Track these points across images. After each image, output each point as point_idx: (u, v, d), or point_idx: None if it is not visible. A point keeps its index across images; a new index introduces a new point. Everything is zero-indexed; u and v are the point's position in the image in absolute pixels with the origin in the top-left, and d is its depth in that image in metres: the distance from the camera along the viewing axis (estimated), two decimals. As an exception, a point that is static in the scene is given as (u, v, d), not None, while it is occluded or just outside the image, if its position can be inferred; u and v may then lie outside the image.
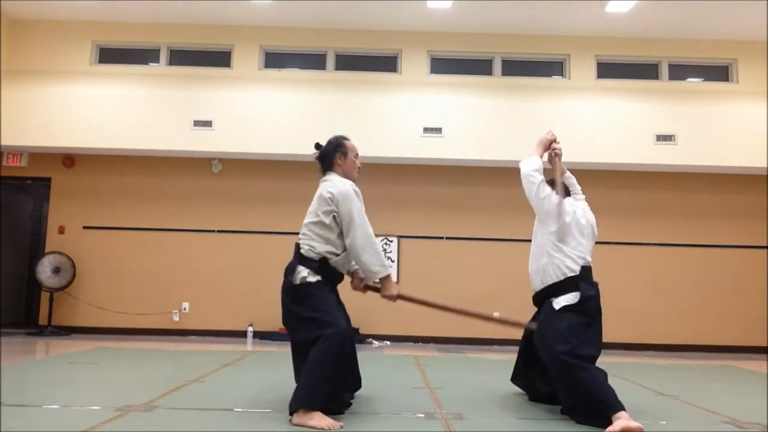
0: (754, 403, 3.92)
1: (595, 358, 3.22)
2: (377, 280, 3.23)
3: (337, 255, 3.18)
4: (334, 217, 3.14)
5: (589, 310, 3.29)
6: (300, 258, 3.16)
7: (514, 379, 3.92)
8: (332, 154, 3.32)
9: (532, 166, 3.54)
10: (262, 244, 7.87)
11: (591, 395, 3.02)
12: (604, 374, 3.13)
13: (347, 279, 3.43)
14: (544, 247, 3.43)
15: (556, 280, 3.35)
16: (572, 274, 3.33)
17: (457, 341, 7.78)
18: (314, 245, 3.15)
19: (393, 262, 7.95)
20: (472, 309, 3.61)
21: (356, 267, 3.37)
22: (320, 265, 3.13)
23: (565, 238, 3.37)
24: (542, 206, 3.48)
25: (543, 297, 3.45)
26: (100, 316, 7.76)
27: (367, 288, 3.35)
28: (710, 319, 7.88)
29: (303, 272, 3.10)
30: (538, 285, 3.49)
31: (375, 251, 3.13)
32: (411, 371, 5.05)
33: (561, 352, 3.13)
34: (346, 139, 3.39)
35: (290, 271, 3.15)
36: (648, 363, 6.33)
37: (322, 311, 3.05)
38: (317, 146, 3.38)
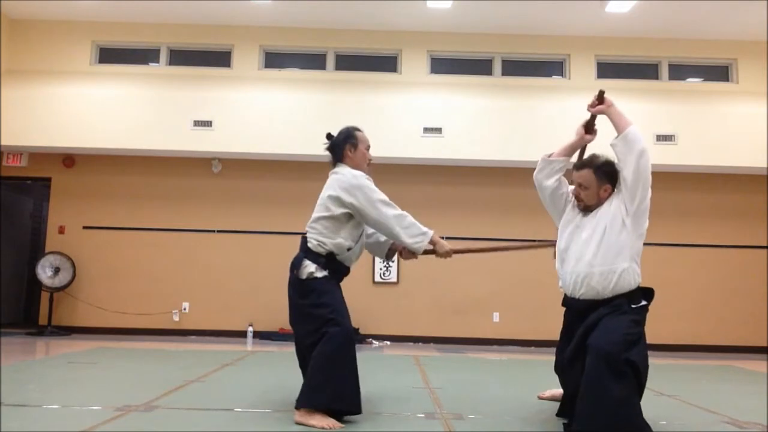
0: (754, 403, 3.92)
1: (644, 376, 2.82)
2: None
3: (347, 249, 3.13)
4: (348, 213, 3.09)
5: (644, 323, 2.95)
6: (307, 252, 3.10)
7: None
8: (342, 145, 3.25)
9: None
10: (262, 244, 7.87)
11: (629, 414, 2.66)
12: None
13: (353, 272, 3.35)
14: (625, 250, 2.91)
15: (629, 289, 2.91)
16: (640, 281, 2.98)
17: (457, 341, 7.78)
18: (323, 240, 3.08)
19: (393, 262, 7.95)
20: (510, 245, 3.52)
21: (387, 243, 3.35)
22: (327, 260, 3.08)
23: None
24: (648, 195, 2.94)
25: (602, 304, 2.93)
26: (100, 316, 7.76)
27: (422, 253, 3.19)
28: (710, 319, 7.88)
29: (310, 267, 3.05)
30: (601, 291, 2.91)
31: (410, 226, 3.08)
32: (411, 371, 5.04)
33: (626, 348, 2.73)
34: (358, 130, 3.34)
35: (296, 264, 3.10)
36: (649, 363, 6.31)
37: (329, 307, 3.00)
38: (329, 137, 3.32)
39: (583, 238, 3.00)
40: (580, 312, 3.00)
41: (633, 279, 2.92)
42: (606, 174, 3.05)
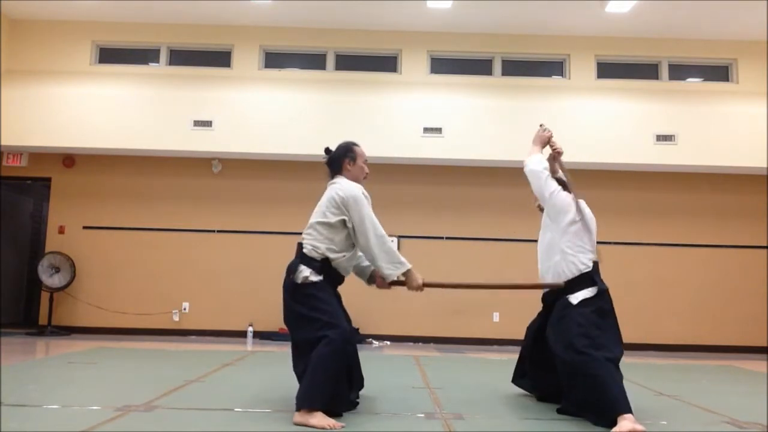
0: (754, 403, 3.92)
1: (613, 358, 3.13)
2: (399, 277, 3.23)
3: (341, 256, 3.20)
4: (343, 221, 3.17)
5: (604, 304, 3.27)
6: (302, 257, 3.17)
7: (517, 380, 3.90)
8: (341, 159, 3.36)
9: (538, 163, 3.57)
10: (262, 244, 7.87)
11: (604, 392, 2.98)
12: (620, 375, 3.11)
13: (348, 280, 3.42)
14: (555, 245, 3.40)
15: (570, 276, 3.31)
16: (587, 270, 3.32)
17: (457, 341, 7.78)
18: (318, 245, 3.16)
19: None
20: (498, 282, 3.85)
21: (369, 268, 3.45)
22: (322, 265, 3.15)
23: (585, 234, 3.37)
24: (552, 202, 3.47)
25: (556, 294, 3.40)
26: (100, 316, 7.76)
27: (392, 285, 3.32)
28: (710, 319, 7.88)
29: (305, 271, 3.11)
30: (548, 280, 3.44)
31: (388, 252, 3.19)
32: (411, 371, 5.05)
33: (580, 346, 3.10)
34: (356, 145, 3.44)
35: (292, 269, 3.17)
36: (648, 363, 6.33)
37: (325, 312, 3.06)
38: (327, 151, 3.42)
39: (539, 241, 3.60)
40: (546, 302, 3.56)
41: (568, 268, 3.32)
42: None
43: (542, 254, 3.53)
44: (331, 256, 3.17)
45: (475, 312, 7.89)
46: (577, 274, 3.31)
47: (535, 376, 3.69)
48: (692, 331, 7.85)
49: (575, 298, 3.27)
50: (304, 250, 3.18)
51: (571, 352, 3.13)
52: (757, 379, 5.29)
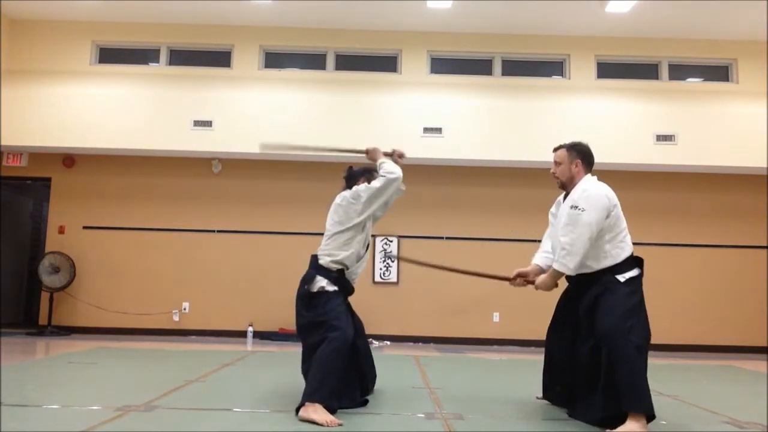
0: (754, 403, 3.92)
1: (647, 345, 3.09)
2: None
3: (356, 260, 3.45)
4: (362, 224, 3.44)
5: (641, 289, 3.19)
6: (318, 268, 3.38)
7: (548, 393, 3.57)
8: (359, 175, 3.66)
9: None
10: (262, 244, 7.87)
11: (641, 378, 2.95)
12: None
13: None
14: (603, 234, 3.21)
15: (618, 260, 3.19)
16: (631, 252, 3.25)
17: (457, 341, 7.78)
18: (336, 253, 3.38)
19: (393, 261, 7.95)
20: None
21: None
22: (338, 276, 3.38)
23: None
24: (598, 204, 3.29)
25: (596, 276, 3.21)
26: (100, 316, 7.76)
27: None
28: (710, 319, 7.88)
29: (322, 282, 3.34)
30: (594, 266, 3.22)
31: (390, 170, 3.62)
32: (411, 371, 5.05)
33: (627, 327, 3.00)
34: (376, 171, 3.70)
35: (308, 280, 3.36)
36: (648, 363, 6.31)
37: (332, 316, 3.24)
38: (350, 168, 3.73)
39: (563, 224, 3.32)
40: (577, 285, 3.34)
41: (616, 252, 3.20)
42: (577, 151, 3.50)
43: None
44: (348, 263, 3.39)
45: (475, 312, 7.88)
46: (624, 257, 3.21)
47: (567, 376, 3.38)
48: (692, 331, 7.85)
49: (623, 276, 3.15)
50: (320, 262, 3.38)
51: (615, 331, 3.01)
52: (757, 379, 5.29)
